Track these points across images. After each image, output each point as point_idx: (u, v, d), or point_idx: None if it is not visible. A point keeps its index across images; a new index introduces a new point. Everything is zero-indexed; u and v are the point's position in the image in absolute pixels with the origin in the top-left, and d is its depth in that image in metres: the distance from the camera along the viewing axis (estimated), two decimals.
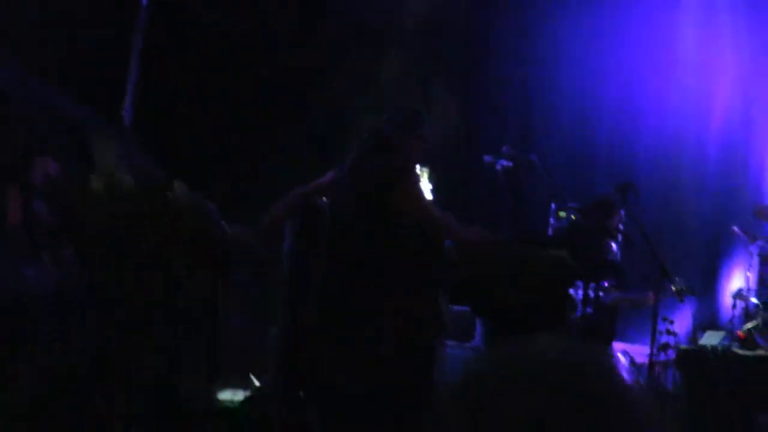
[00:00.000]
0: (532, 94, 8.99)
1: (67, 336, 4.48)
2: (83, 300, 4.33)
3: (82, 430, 3.25)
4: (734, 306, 7.42)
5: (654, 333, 5.99)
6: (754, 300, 7.29)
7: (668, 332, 7.92)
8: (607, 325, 7.36)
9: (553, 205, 6.74)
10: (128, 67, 7.56)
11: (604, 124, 9.00)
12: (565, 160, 8.55)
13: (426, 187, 5.18)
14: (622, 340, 8.76)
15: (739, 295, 7.37)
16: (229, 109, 7.39)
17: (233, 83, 7.43)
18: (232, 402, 5.25)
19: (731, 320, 7.50)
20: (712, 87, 9.00)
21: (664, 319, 7.99)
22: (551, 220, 6.90)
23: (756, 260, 7.34)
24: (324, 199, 4.14)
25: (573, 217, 5.38)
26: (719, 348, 6.90)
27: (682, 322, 8.59)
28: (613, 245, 7.49)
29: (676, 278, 5.65)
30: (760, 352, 6.87)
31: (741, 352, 6.88)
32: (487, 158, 5.01)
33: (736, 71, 8.88)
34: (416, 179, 3.99)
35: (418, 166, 4.25)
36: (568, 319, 5.04)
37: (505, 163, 4.95)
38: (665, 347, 7.77)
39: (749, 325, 7.20)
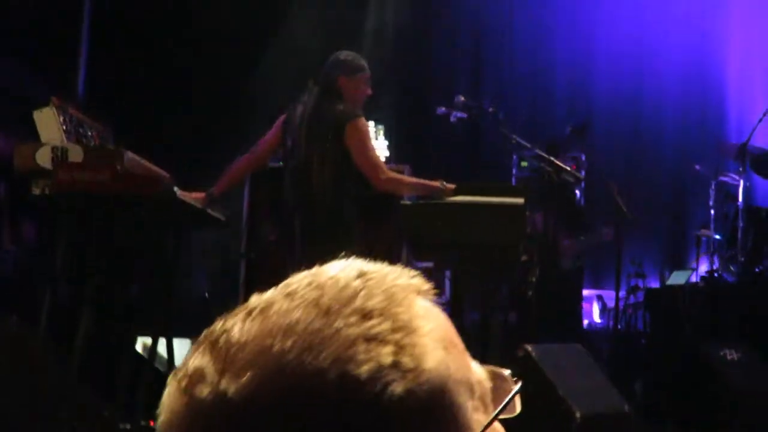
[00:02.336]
0: (484, 44, 8.99)
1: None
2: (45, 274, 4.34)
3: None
4: (698, 243, 7.49)
5: (618, 276, 6.06)
6: (717, 236, 7.35)
7: (637, 274, 8.01)
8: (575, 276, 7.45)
9: (514, 156, 6.73)
10: (79, 37, 7.47)
11: (559, 71, 9.02)
12: (525, 108, 8.58)
13: (380, 144, 5.23)
14: (595, 286, 8.86)
15: (702, 232, 7.44)
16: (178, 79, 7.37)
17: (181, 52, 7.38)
18: None
19: (697, 258, 7.58)
20: (669, 27, 9.02)
21: (633, 262, 8.08)
22: (514, 170, 6.90)
23: (718, 197, 7.39)
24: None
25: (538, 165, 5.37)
26: (686, 286, 6.98)
27: (650, 262, 8.68)
28: (577, 192, 7.55)
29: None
30: (725, 287, 6.96)
31: (707, 288, 6.97)
32: (440, 110, 4.99)
33: (690, 8, 8.92)
34: (364, 123, 4.34)
35: (372, 123, 4.42)
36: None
37: (459, 114, 4.94)
38: (635, 289, 7.87)
39: (714, 261, 7.29)
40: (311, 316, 0.72)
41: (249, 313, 0.74)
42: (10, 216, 6.30)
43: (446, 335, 0.75)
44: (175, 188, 4.32)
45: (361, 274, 0.75)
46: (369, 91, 4.46)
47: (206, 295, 7.04)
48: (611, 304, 7.65)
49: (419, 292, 0.76)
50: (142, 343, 4.49)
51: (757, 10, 8.75)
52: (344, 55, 4.48)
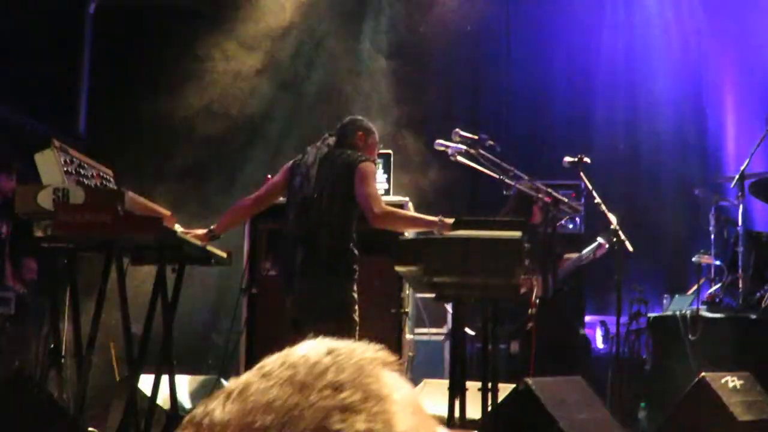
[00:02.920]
0: (482, 77, 9.08)
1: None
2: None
3: None
4: (698, 269, 7.50)
5: (619, 302, 6.06)
6: (717, 262, 7.37)
7: (639, 300, 8.01)
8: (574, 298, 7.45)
9: (514, 188, 6.77)
10: (80, 79, 7.55)
11: (557, 102, 9.08)
12: (523, 140, 8.64)
13: (378, 177, 5.28)
14: (597, 312, 8.87)
15: (702, 258, 7.45)
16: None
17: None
18: None
19: (698, 284, 7.59)
20: (664, 54, 9.08)
21: (635, 288, 8.08)
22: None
23: (718, 222, 7.42)
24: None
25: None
26: (687, 312, 6.98)
27: (653, 288, 8.69)
28: (577, 219, 7.58)
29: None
30: (727, 313, 6.96)
31: (708, 314, 6.97)
32: (438, 143, 5.03)
33: (685, 34, 8.99)
34: (372, 166, 4.53)
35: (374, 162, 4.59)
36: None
37: (457, 147, 4.97)
38: (637, 315, 7.86)
39: (715, 287, 7.30)
40: (287, 392, 0.77)
41: (228, 396, 0.78)
42: (13, 255, 6.34)
43: (413, 402, 0.80)
44: (177, 225, 4.37)
45: (330, 351, 0.80)
46: (376, 154, 4.78)
47: (213, 336, 7.08)
48: (614, 330, 7.65)
49: (386, 364, 0.81)
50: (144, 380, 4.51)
51: (752, 33, 8.81)
52: (362, 118, 4.79)
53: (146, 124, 7.52)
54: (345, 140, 4.55)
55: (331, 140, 4.57)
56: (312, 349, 0.82)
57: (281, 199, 4.68)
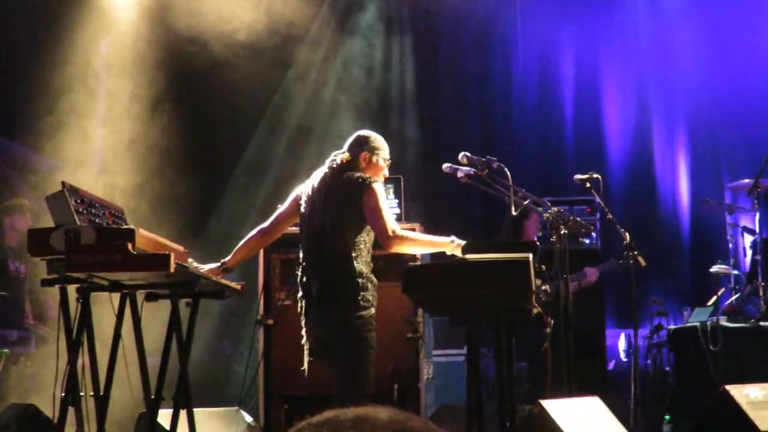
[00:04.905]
0: (491, 101, 9.15)
1: None
2: None
3: None
4: (717, 280, 7.47)
5: (635, 316, 6.05)
6: (735, 272, 7.33)
7: (659, 313, 7.98)
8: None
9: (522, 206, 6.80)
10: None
11: (567, 120, 9.11)
12: (535, 161, 8.67)
13: (388, 200, 5.30)
14: (619, 326, 8.84)
15: (720, 268, 7.42)
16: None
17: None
18: None
19: (717, 295, 7.55)
20: (676, 64, 9.08)
21: (655, 301, 8.05)
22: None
23: (735, 232, 7.39)
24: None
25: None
26: (708, 324, 6.94)
27: (674, 301, 8.66)
28: (593, 234, 7.57)
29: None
30: (748, 323, 6.91)
31: (730, 325, 6.92)
32: (446, 167, 5.05)
33: (691, 56, 9.00)
34: (380, 187, 4.44)
35: (381, 182, 4.49)
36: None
37: (465, 170, 4.99)
38: (658, 328, 7.83)
39: (734, 297, 7.25)
40: None
41: None
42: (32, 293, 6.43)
43: None
44: (190, 260, 4.41)
45: None
46: (386, 174, 4.62)
47: (234, 367, 7.10)
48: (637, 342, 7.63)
49: None
50: (163, 415, 4.54)
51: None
52: (369, 133, 4.62)
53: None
54: (350, 162, 4.48)
55: (337, 161, 4.50)
56: None
57: (292, 228, 4.71)
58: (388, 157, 4.60)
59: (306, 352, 4.43)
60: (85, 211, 4.04)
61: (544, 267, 4.28)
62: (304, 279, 4.43)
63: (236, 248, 4.70)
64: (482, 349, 6.27)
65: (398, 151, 7.41)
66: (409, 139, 8.42)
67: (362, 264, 4.35)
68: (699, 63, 8.99)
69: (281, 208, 4.69)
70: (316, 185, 4.51)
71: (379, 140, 4.60)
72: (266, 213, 4.92)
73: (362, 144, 4.54)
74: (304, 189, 4.59)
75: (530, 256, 3.99)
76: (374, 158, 4.52)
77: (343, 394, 4.22)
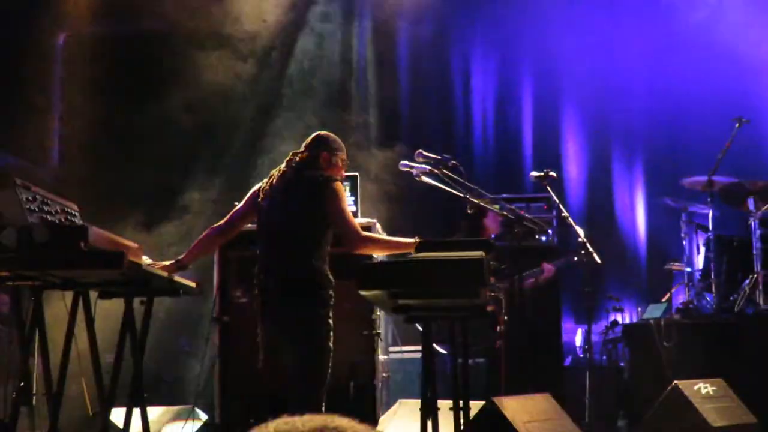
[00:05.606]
0: (452, 102, 9.19)
1: None
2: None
3: None
4: (671, 276, 7.57)
5: (590, 313, 6.13)
6: (689, 269, 7.43)
7: (615, 309, 8.09)
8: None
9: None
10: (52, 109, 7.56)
11: (524, 117, 9.17)
12: (496, 160, 8.72)
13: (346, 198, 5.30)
14: (576, 322, 8.94)
15: (674, 265, 7.53)
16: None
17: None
18: None
19: (670, 291, 7.66)
20: (634, 64, 9.17)
21: (611, 297, 8.16)
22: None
23: (688, 229, 7.49)
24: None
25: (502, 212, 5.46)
26: (661, 320, 7.04)
27: (628, 297, 8.77)
28: (550, 231, 7.63)
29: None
30: (700, 319, 7.02)
31: (683, 321, 7.03)
32: (402, 165, 5.08)
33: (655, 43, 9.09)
34: (340, 186, 4.49)
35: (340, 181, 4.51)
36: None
37: (421, 168, 5.02)
38: (614, 324, 7.93)
39: (688, 293, 7.36)
40: None
41: None
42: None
43: None
44: (145, 257, 4.39)
45: None
46: (344, 174, 4.67)
47: (193, 364, 7.06)
48: (593, 338, 7.73)
49: None
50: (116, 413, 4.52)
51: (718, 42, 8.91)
52: (327, 134, 4.67)
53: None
54: (310, 159, 4.52)
55: (296, 161, 4.53)
56: None
57: (249, 225, 4.69)
58: (345, 157, 4.66)
59: (262, 350, 4.42)
60: (37, 209, 3.99)
61: (500, 265, 4.31)
62: (262, 276, 4.42)
63: (192, 245, 4.68)
64: (441, 346, 6.31)
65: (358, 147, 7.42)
66: (368, 134, 8.43)
67: (321, 262, 4.36)
68: (654, 60, 9.10)
69: (238, 206, 4.68)
70: (275, 183, 4.52)
71: (337, 141, 4.65)
72: (224, 209, 4.91)
73: (321, 144, 4.58)
74: (262, 187, 4.60)
75: (483, 254, 4.01)
76: (333, 159, 4.57)
77: (299, 393, 4.23)
